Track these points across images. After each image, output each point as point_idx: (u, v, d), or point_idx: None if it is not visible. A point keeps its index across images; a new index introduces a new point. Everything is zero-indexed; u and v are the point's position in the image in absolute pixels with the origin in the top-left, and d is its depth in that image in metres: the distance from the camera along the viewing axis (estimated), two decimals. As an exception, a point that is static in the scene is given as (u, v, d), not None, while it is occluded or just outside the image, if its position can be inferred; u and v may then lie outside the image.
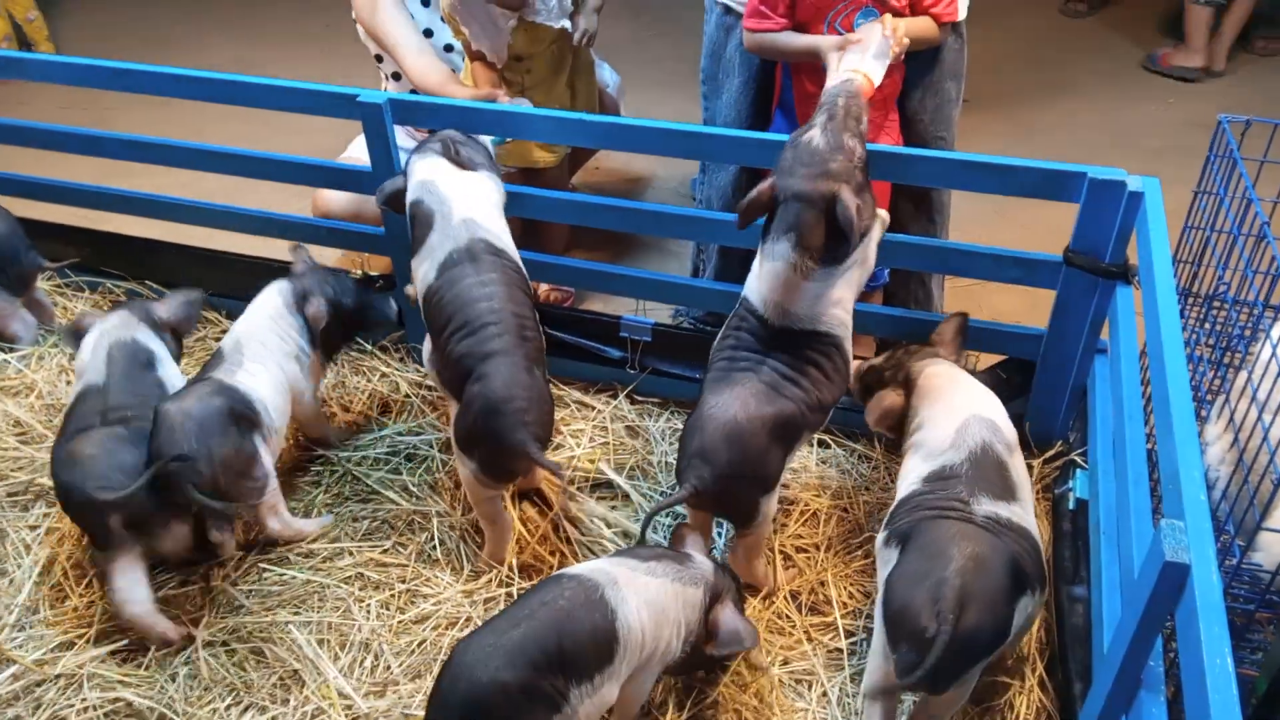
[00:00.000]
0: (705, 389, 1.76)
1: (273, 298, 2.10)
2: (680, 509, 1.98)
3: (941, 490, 1.59)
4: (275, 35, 5.18)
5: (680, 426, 2.27)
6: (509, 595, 1.86)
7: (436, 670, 1.47)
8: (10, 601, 1.86)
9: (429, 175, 1.94)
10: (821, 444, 2.22)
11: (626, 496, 2.10)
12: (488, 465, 1.77)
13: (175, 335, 2.15)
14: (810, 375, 1.74)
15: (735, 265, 2.61)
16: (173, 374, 2.04)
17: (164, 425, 1.76)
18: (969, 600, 1.40)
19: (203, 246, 2.67)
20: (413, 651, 1.78)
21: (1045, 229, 2.51)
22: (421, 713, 1.65)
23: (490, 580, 1.89)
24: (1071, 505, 1.89)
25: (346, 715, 1.67)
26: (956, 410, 1.72)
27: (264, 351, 1.99)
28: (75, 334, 2.04)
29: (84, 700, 1.67)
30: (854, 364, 1.88)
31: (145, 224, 2.68)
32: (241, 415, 1.85)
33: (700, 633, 1.58)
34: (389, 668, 1.75)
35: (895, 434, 1.88)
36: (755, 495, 1.73)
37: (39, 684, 1.71)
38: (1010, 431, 1.70)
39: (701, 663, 1.65)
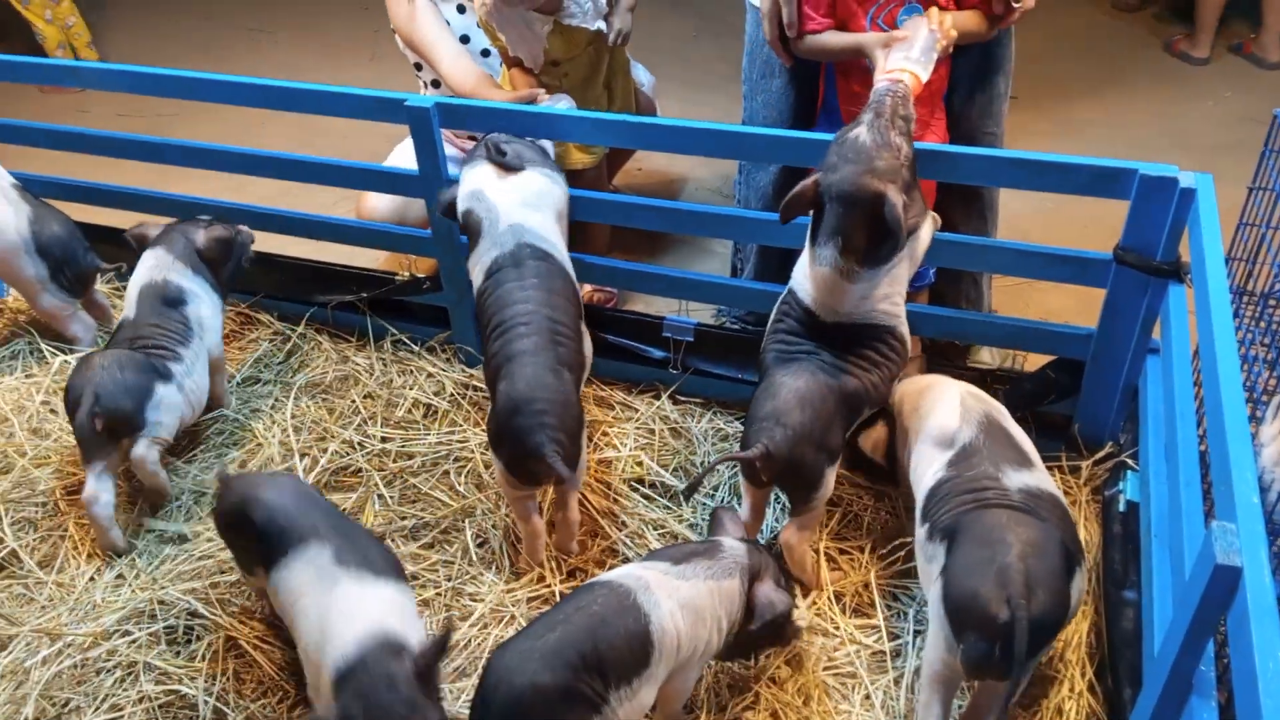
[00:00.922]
0: (770, 367, 1.81)
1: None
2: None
3: (969, 471, 1.61)
4: (323, 43, 5.27)
5: (723, 427, 2.27)
6: (553, 595, 1.87)
7: (480, 669, 1.48)
8: (68, 594, 1.92)
9: (477, 184, 1.99)
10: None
11: (673, 497, 2.11)
12: (511, 465, 1.79)
13: (212, 265, 2.30)
14: (868, 358, 1.79)
15: (774, 264, 2.60)
16: (206, 312, 2.24)
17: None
18: (1035, 584, 1.41)
19: (256, 250, 2.73)
20: (459, 650, 1.80)
21: (1097, 226, 2.47)
22: (467, 711, 1.68)
23: (532, 579, 1.91)
24: (1122, 508, 1.85)
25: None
26: (945, 390, 1.78)
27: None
28: (139, 241, 2.30)
29: (140, 691, 1.72)
30: (872, 440, 1.94)
31: (199, 228, 2.74)
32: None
33: (742, 616, 1.59)
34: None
35: (890, 460, 1.91)
36: (821, 463, 1.74)
37: (96, 673, 1.75)
38: (994, 402, 1.80)
39: (747, 645, 1.66)
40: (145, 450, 2.04)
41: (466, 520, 2.05)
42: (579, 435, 1.82)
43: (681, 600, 1.51)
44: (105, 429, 1.97)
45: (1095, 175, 1.81)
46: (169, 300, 2.20)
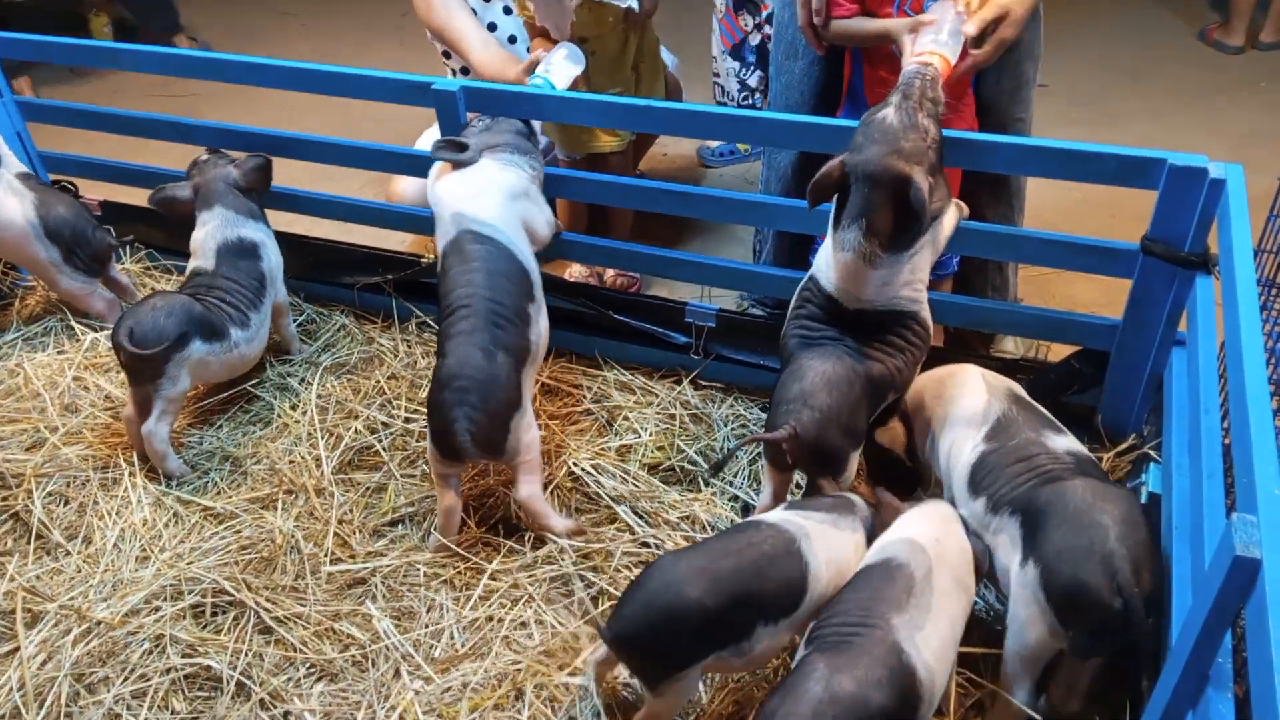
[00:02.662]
0: (794, 352, 1.81)
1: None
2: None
3: (1011, 441, 1.63)
4: (351, 28, 5.30)
5: (744, 413, 2.28)
6: (575, 577, 1.89)
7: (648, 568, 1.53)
8: (95, 569, 1.95)
9: (430, 180, 2.08)
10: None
11: (692, 481, 2.12)
12: (433, 439, 1.85)
13: (255, 193, 2.41)
14: (892, 344, 1.79)
15: (791, 248, 2.61)
16: (274, 260, 2.37)
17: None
18: (1140, 564, 1.41)
19: (284, 231, 2.75)
20: (478, 628, 1.82)
21: (1124, 216, 2.45)
22: (485, 689, 1.70)
23: (547, 554, 1.93)
24: (1143, 500, 1.84)
25: (413, 688, 1.72)
26: (965, 373, 1.79)
27: None
28: (167, 206, 2.37)
29: (167, 663, 1.75)
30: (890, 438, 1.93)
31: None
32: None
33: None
34: (454, 639, 1.79)
35: (910, 455, 1.91)
36: (847, 447, 1.75)
37: (125, 646, 1.79)
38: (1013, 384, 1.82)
39: None
40: (154, 426, 2.10)
41: (483, 499, 2.07)
42: (506, 416, 1.84)
43: (833, 553, 1.56)
44: (125, 363, 2.08)
45: (1123, 165, 1.79)
46: (246, 255, 2.31)
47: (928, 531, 1.54)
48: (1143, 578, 1.41)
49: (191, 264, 2.34)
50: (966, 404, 1.76)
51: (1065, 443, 1.65)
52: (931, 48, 1.83)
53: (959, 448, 1.73)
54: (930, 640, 1.38)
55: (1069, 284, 2.82)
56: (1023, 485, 1.59)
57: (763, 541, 1.52)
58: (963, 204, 1.90)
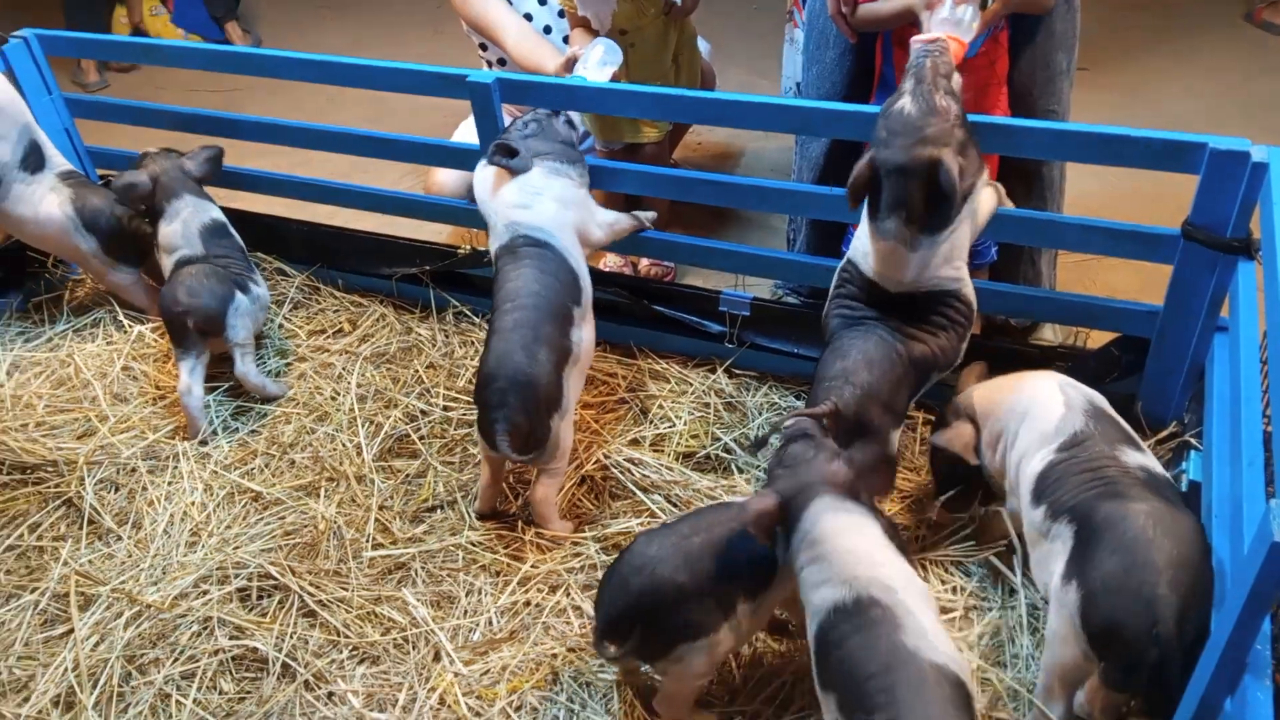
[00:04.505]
0: (836, 331, 1.83)
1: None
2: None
3: (1084, 453, 1.58)
4: (386, 19, 5.34)
5: (778, 401, 2.29)
6: (597, 565, 1.91)
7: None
8: (145, 553, 2.00)
9: (481, 190, 2.12)
10: (926, 422, 2.20)
11: (726, 469, 2.13)
12: (478, 428, 1.91)
13: (202, 184, 2.53)
14: (935, 323, 1.79)
15: (825, 236, 2.60)
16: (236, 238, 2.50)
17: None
18: (1186, 615, 1.35)
19: (323, 223, 2.80)
20: (516, 614, 1.85)
21: (1164, 203, 2.41)
22: (523, 673, 1.73)
23: (580, 549, 1.95)
24: (1184, 488, 1.83)
25: (453, 671, 1.75)
26: (1042, 384, 1.72)
27: None
28: (128, 192, 2.45)
29: (215, 645, 1.80)
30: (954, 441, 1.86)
31: (267, 201, 2.82)
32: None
33: None
34: (492, 624, 1.82)
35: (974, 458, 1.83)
36: (887, 425, 1.76)
37: (174, 628, 1.84)
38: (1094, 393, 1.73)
39: None
40: (244, 366, 2.32)
41: (522, 488, 2.10)
42: (546, 415, 1.87)
43: None
44: (196, 328, 2.24)
45: (1163, 149, 1.77)
46: (221, 233, 2.44)
47: None
48: (1186, 628, 1.34)
49: (176, 255, 2.40)
50: (1042, 416, 1.68)
51: (1140, 459, 1.58)
52: (941, 28, 1.81)
53: (1029, 459, 1.68)
54: None
55: (1108, 271, 2.79)
56: (1086, 493, 1.53)
57: (734, 519, 1.53)
58: (1000, 185, 1.89)
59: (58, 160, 2.58)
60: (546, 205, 2.03)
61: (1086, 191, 2.49)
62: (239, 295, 2.33)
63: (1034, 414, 1.70)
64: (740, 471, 2.11)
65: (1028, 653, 1.70)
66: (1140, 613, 1.36)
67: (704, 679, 1.55)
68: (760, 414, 2.25)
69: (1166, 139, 1.77)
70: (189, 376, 2.26)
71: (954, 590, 1.84)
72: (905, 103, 1.68)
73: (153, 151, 2.54)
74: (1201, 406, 1.89)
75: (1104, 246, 1.96)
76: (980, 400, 1.83)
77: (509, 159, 2.06)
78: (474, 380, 2.36)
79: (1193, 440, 1.91)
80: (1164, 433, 1.99)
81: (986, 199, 1.81)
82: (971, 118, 1.76)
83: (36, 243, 2.62)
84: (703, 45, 3.24)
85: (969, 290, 1.80)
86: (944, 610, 1.79)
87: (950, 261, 1.75)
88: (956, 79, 1.73)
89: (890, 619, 1.28)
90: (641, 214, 2.26)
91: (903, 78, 1.73)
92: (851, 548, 1.38)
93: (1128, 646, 1.37)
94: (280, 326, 2.61)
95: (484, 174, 2.12)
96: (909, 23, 2.07)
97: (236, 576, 1.92)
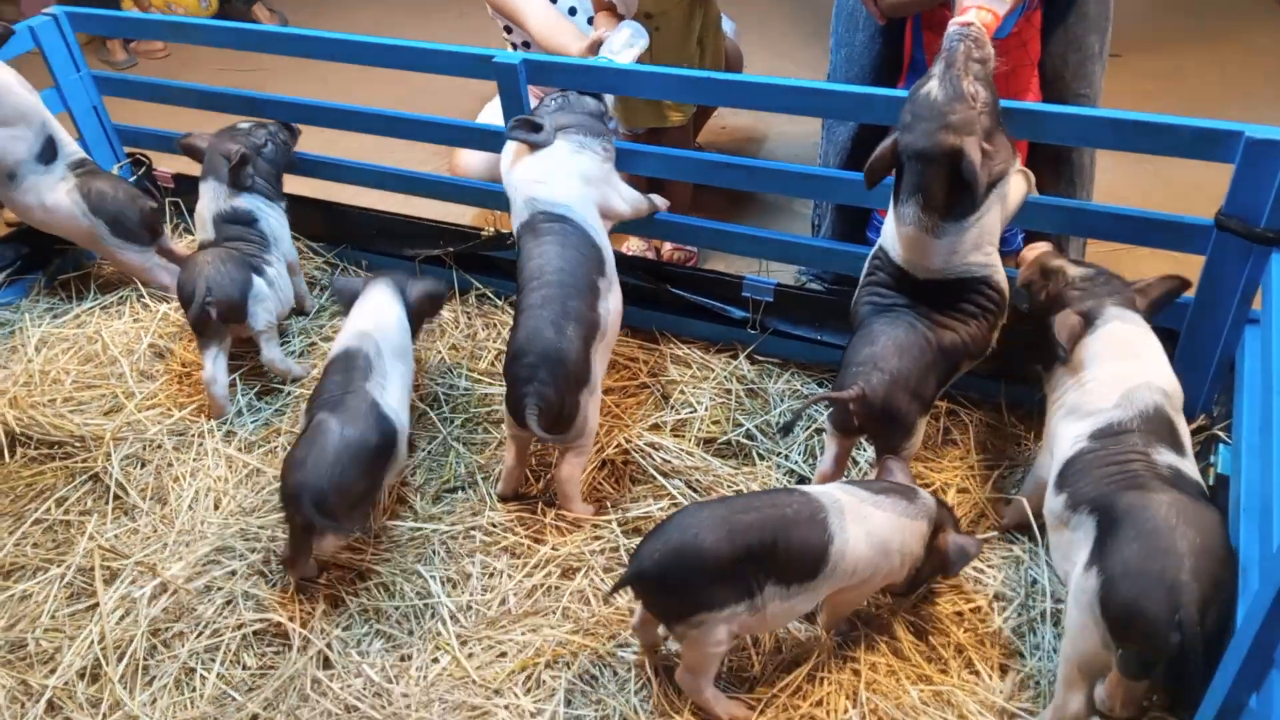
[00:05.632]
0: (866, 318, 1.82)
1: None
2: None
3: (1115, 445, 1.57)
4: (411, 2, 5.33)
5: (800, 388, 2.28)
6: (619, 549, 1.91)
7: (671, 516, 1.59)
8: (170, 528, 2.02)
9: (505, 162, 2.11)
10: (949, 412, 2.18)
11: (747, 456, 2.12)
12: (508, 405, 1.90)
13: (243, 174, 2.47)
14: (965, 310, 1.77)
15: (851, 222, 2.58)
16: (273, 224, 2.47)
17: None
18: (1209, 601, 1.34)
19: (347, 203, 2.81)
20: (532, 595, 1.85)
21: (1197, 193, 2.37)
22: (540, 651, 1.73)
23: (591, 533, 1.95)
24: (1211, 481, 1.80)
25: (468, 652, 1.76)
26: (1128, 378, 1.66)
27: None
28: (189, 150, 2.52)
29: (238, 619, 1.82)
30: (1040, 250, 1.85)
31: (292, 181, 2.83)
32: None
33: (922, 559, 1.65)
34: (507, 603, 1.83)
35: (1047, 358, 1.79)
36: (914, 412, 1.75)
37: (197, 602, 1.86)
38: (1180, 396, 1.68)
39: (918, 584, 1.72)
40: (270, 352, 2.34)
41: (543, 470, 2.10)
42: (575, 390, 1.86)
43: (871, 528, 1.58)
44: (219, 317, 2.23)
45: (1196, 137, 1.74)
46: (240, 221, 2.43)
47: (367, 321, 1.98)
48: (1208, 617, 1.34)
49: (198, 239, 2.50)
50: (1096, 397, 1.66)
51: (1173, 459, 1.55)
52: (975, 2, 1.78)
53: (1065, 431, 1.66)
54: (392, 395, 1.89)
55: (1138, 261, 2.74)
56: (1107, 485, 1.52)
57: (787, 505, 1.55)
58: (1029, 171, 1.87)
59: (70, 149, 2.60)
60: (567, 179, 2.02)
61: (1116, 178, 2.45)
62: (256, 278, 2.32)
63: (1093, 392, 1.68)
64: (761, 458, 2.11)
65: (1050, 643, 1.69)
66: (1161, 598, 1.35)
67: (721, 651, 1.56)
68: (782, 400, 2.24)
69: (1201, 126, 1.74)
70: (213, 366, 2.27)
71: (974, 581, 1.83)
72: (932, 86, 1.66)
73: (242, 126, 2.55)
74: (1231, 399, 1.86)
75: (1134, 235, 1.94)
76: (1106, 331, 1.73)
77: (532, 133, 2.05)
78: (496, 362, 2.39)
79: (1221, 433, 1.88)
80: (1193, 425, 1.96)
81: (1017, 185, 1.79)
82: (1001, 103, 1.74)
83: (46, 228, 2.64)
84: (728, 25, 3.22)
85: (1000, 277, 1.78)
86: (966, 600, 1.79)
87: (980, 248, 1.73)
88: (992, 64, 1.70)
89: None
90: (655, 197, 2.25)
91: (934, 61, 1.71)
92: None
93: (1148, 632, 1.36)
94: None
95: (506, 150, 2.12)
96: (940, 3, 2.04)
97: (257, 551, 1.94)
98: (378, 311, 2.08)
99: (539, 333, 1.84)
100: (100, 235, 2.57)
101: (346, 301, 2.14)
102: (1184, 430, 1.64)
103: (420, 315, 2.19)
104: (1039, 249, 1.88)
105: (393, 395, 1.94)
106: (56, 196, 2.54)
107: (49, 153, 2.54)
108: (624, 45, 2.41)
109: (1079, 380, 1.72)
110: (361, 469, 1.80)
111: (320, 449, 1.76)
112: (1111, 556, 1.43)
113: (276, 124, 2.58)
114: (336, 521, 1.75)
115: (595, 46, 2.50)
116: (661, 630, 1.69)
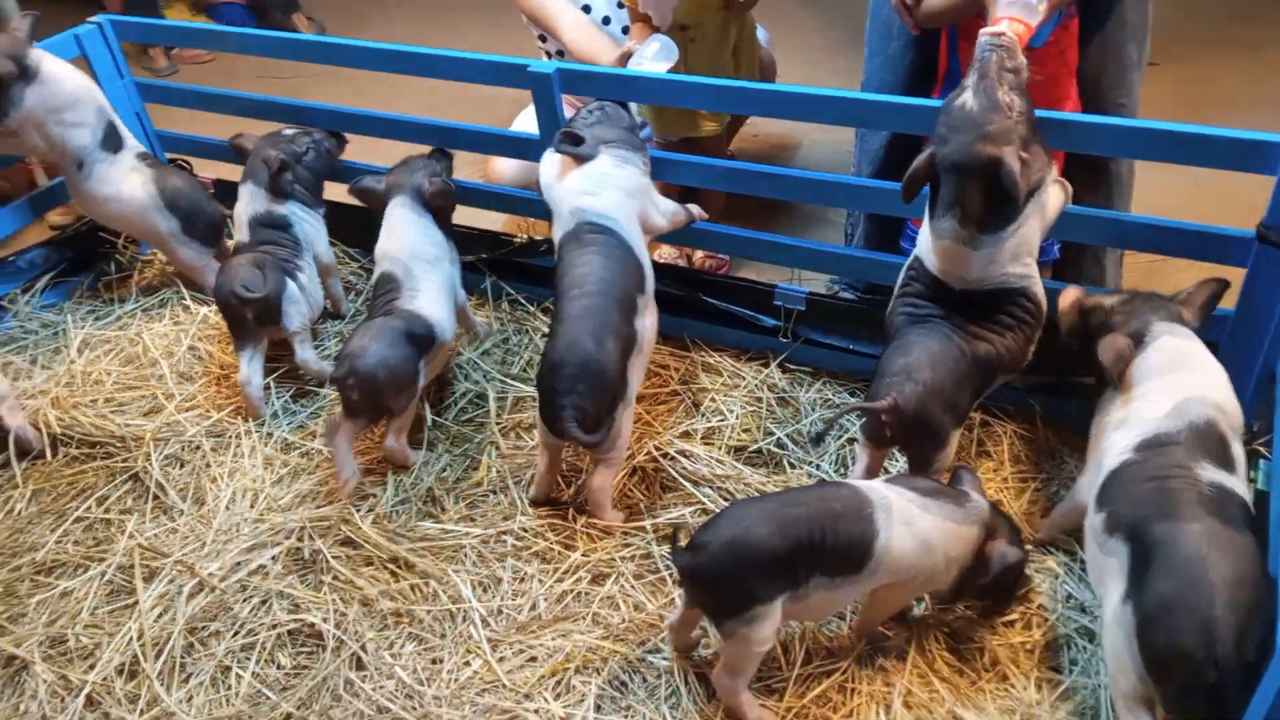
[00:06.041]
0: (900, 328, 1.81)
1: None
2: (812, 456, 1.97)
3: (1159, 458, 1.54)
4: (446, 9, 5.39)
5: (831, 397, 2.27)
6: (650, 557, 1.92)
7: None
8: (208, 528, 2.05)
9: (547, 177, 2.11)
10: (982, 423, 2.17)
11: (778, 464, 2.12)
12: (542, 415, 1.91)
13: (285, 181, 2.52)
14: (1001, 323, 1.76)
15: (884, 231, 2.57)
16: (308, 229, 2.52)
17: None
18: (1245, 636, 1.32)
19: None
20: (562, 601, 1.86)
21: (1237, 204, 2.34)
22: (570, 656, 1.74)
23: (631, 539, 1.96)
24: (1250, 498, 1.78)
25: (499, 653, 1.77)
26: (1180, 389, 1.63)
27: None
28: (238, 150, 2.59)
29: (273, 619, 1.85)
30: (1073, 295, 1.83)
31: (329, 187, 2.87)
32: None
33: (972, 565, 1.64)
34: (537, 608, 1.84)
35: (1099, 376, 1.76)
36: (947, 424, 1.74)
37: (234, 601, 1.89)
38: (1237, 415, 1.64)
39: (970, 593, 1.72)
40: (304, 353, 2.39)
41: (575, 476, 2.11)
42: (611, 404, 1.87)
43: (917, 529, 1.58)
44: (254, 317, 2.29)
45: (1235, 148, 1.72)
46: (275, 225, 2.47)
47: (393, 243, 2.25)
48: (1245, 648, 1.31)
49: (234, 240, 2.56)
50: (1148, 410, 1.62)
51: (1219, 476, 1.51)
52: (1007, 12, 1.77)
53: (1111, 443, 1.64)
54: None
55: (1177, 273, 2.71)
56: (1143, 510, 1.49)
57: (835, 499, 1.56)
58: (1066, 181, 1.86)
59: (132, 141, 2.65)
60: (612, 193, 2.03)
61: (1155, 189, 2.43)
62: (288, 280, 2.36)
63: (1145, 406, 1.64)
64: (792, 467, 2.10)
65: (1086, 660, 1.67)
66: (1198, 635, 1.33)
67: (764, 650, 1.56)
68: (814, 410, 2.24)
69: (1241, 138, 1.72)
70: (248, 367, 2.31)
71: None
72: (967, 98, 1.66)
73: (298, 134, 2.62)
74: (1272, 414, 1.84)
75: (1174, 247, 1.92)
76: (1156, 347, 1.70)
77: (575, 146, 2.07)
78: (528, 368, 2.41)
79: (1261, 449, 1.86)
80: (1231, 440, 1.94)
81: (1054, 195, 1.78)
82: (1039, 113, 1.73)
83: (113, 222, 2.67)
84: (762, 34, 3.22)
85: (1038, 288, 1.77)
86: (1002, 617, 1.77)
87: (1018, 259, 1.72)
88: (1025, 74, 1.70)
89: None
90: (692, 207, 2.26)
91: (967, 71, 1.71)
92: None
93: (1186, 671, 1.34)
94: (340, 311, 2.65)
95: (550, 161, 2.13)
96: (975, 14, 2.03)
97: (291, 552, 1.97)
98: (400, 232, 2.29)
99: (578, 343, 1.84)
100: (171, 232, 2.61)
101: (370, 205, 2.37)
102: (1237, 447, 1.59)
103: (441, 211, 2.35)
104: (1071, 295, 1.85)
105: (425, 299, 2.17)
106: (131, 188, 2.57)
107: (113, 140, 2.57)
108: (653, 57, 2.43)
109: (1129, 397, 1.69)
110: (401, 354, 2.05)
111: (366, 332, 2.07)
112: (1146, 591, 1.41)
113: (323, 132, 2.61)
114: (381, 394, 2.02)
115: (626, 58, 2.51)
116: (695, 633, 1.69)
